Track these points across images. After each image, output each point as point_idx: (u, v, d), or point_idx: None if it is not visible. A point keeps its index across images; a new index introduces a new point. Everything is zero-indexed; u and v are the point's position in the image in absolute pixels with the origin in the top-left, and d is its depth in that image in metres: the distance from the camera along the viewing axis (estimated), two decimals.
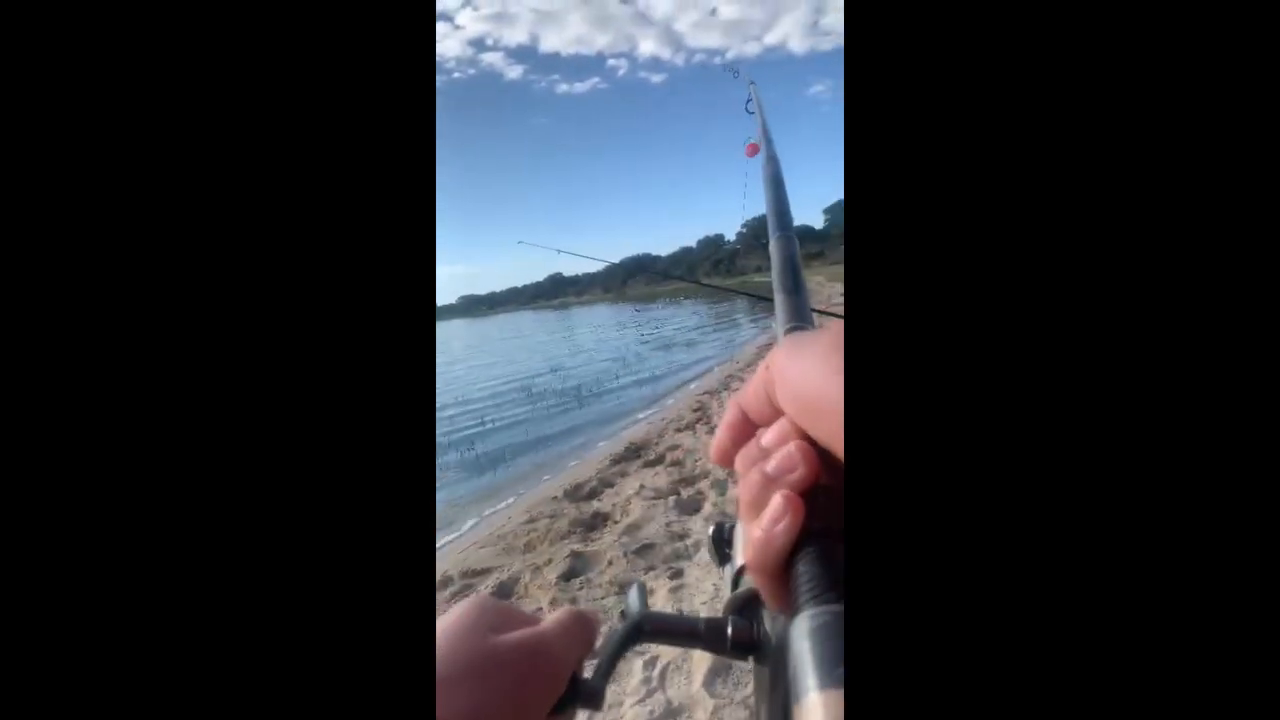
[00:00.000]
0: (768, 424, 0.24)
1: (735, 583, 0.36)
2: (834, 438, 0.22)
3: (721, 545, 0.42)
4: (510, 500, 3.73)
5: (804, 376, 0.23)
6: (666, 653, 1.76)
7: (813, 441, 0.23)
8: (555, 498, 3.29)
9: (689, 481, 3.21)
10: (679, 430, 4.40)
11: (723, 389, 5.80)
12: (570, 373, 9.23)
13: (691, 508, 2.86)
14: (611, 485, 3.38)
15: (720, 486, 2.97)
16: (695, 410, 4.98)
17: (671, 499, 2.96)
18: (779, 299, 0.46)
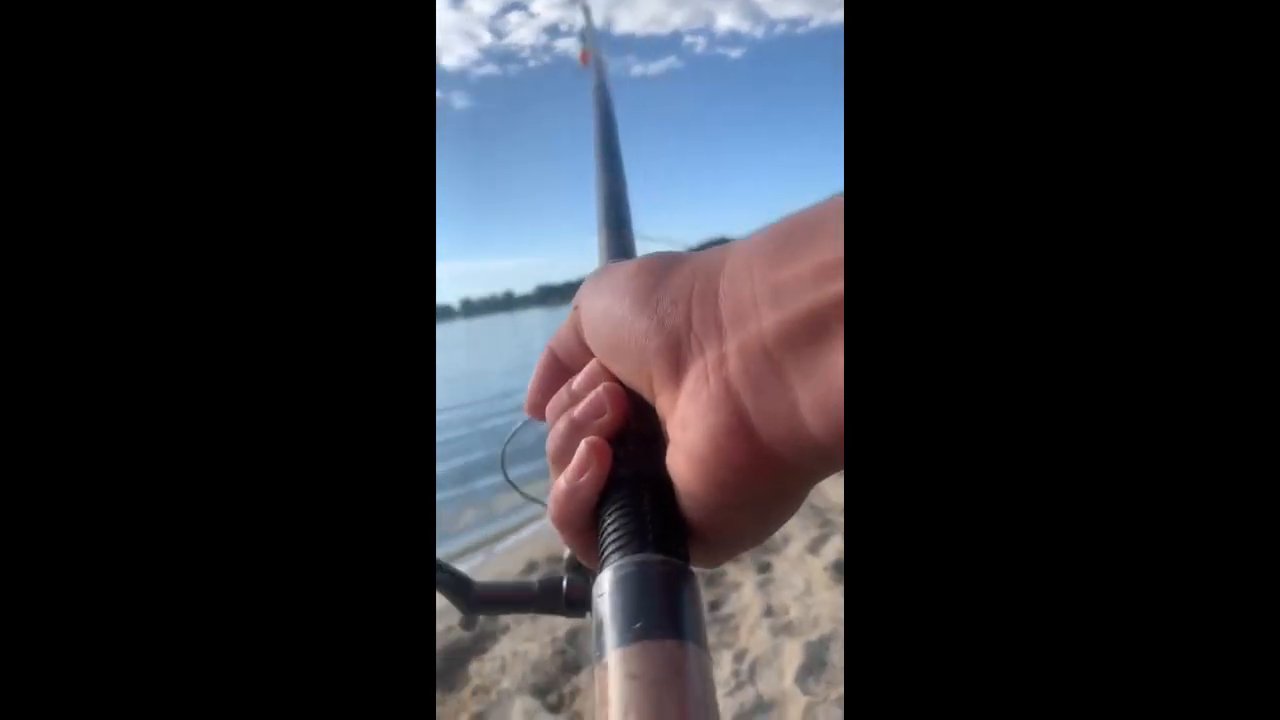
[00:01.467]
0: (580, 369, 0.22)
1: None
2: (639, 380, 0.20)
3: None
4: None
5: (608, 311, 0.21)
6: (755, 647, 1.74)
7: (623, 383, 0.21)
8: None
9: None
10: None
11: None
12: None
13: None
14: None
15: None
16: None
17: None
18: (600, 235, 0.39)
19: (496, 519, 3.36)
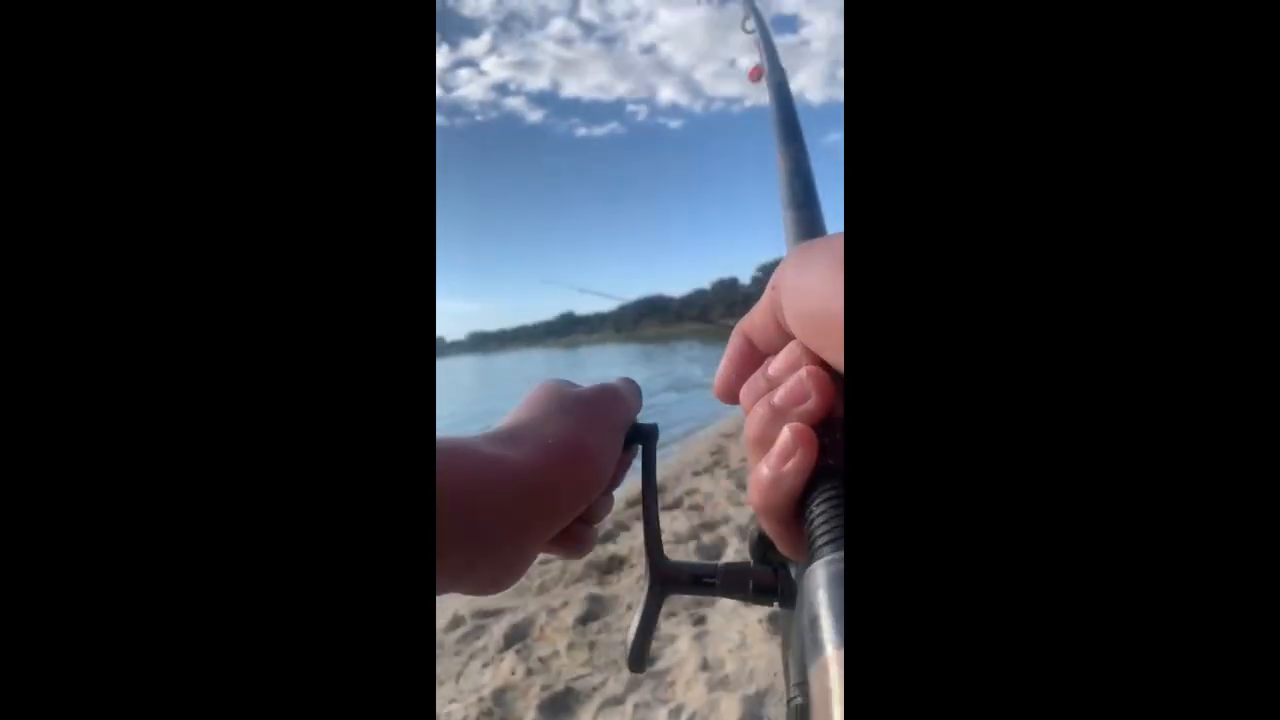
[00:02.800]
0: (777, 352, 0.22)
1: (756, 525, 0.33)
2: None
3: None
4: None
5: (814, 291, 0.20)
6: (692, 702, 1.69)
7: (827, 367, 0.20)
8: None
9: (710, 526, 3.15)
10: (696, 474, 4.34)
11: (738, 430, 5.74)
12: None
13: (712, 553, 2.79)
14: (628, 529, 3.32)
15: (744, 533, 2.91)
16: (713, 454, 4.93)
17: (692, 544, 2.90)
18: (787, 216, 0.39)
19: None
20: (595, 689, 1.80)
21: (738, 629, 2.02)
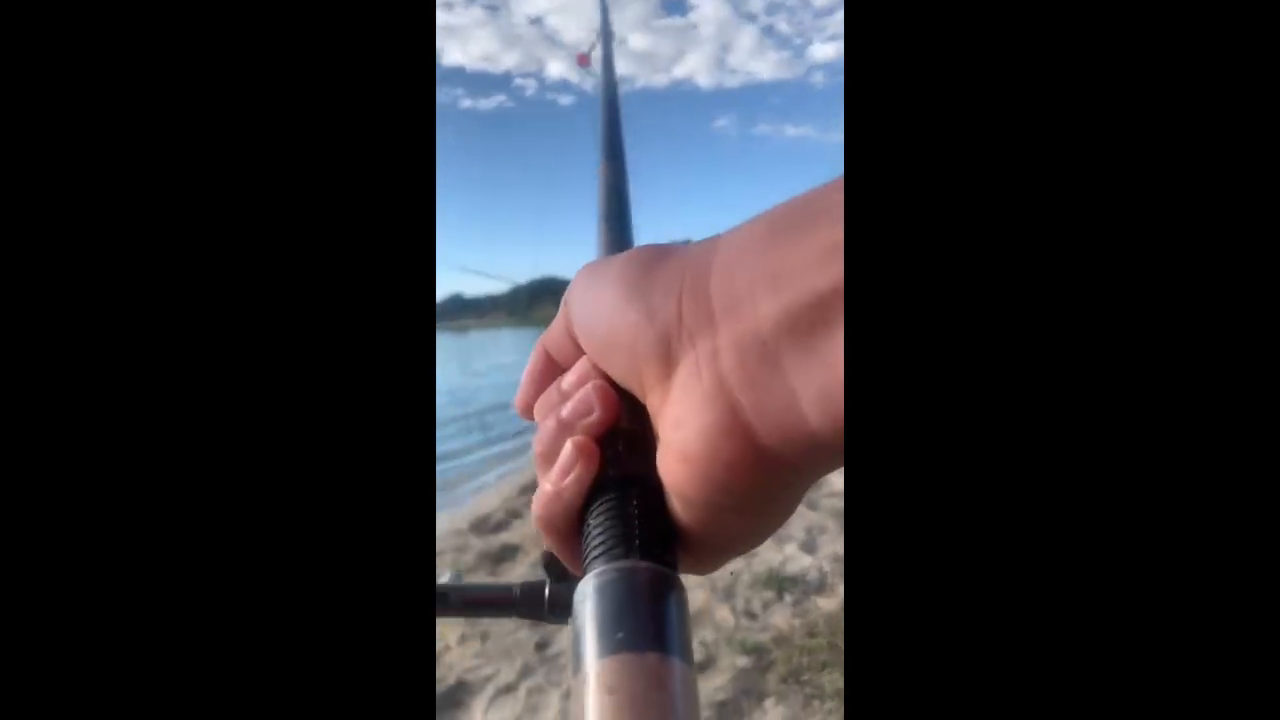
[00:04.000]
0: (572, 366, 0.22)
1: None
2: (629, 377, 0.19)
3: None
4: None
5: (599, 307, 0.20)
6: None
7: (614, 381, 0.20)
8: (459, 530, 3.17)
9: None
10: None
11: None
12: (467, 397, 8.92)
13: None
14: (520, 516, 3.30)
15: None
16: None
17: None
18: (601, 229, 0.40)
19: None
20: (487, 679, 1.79)
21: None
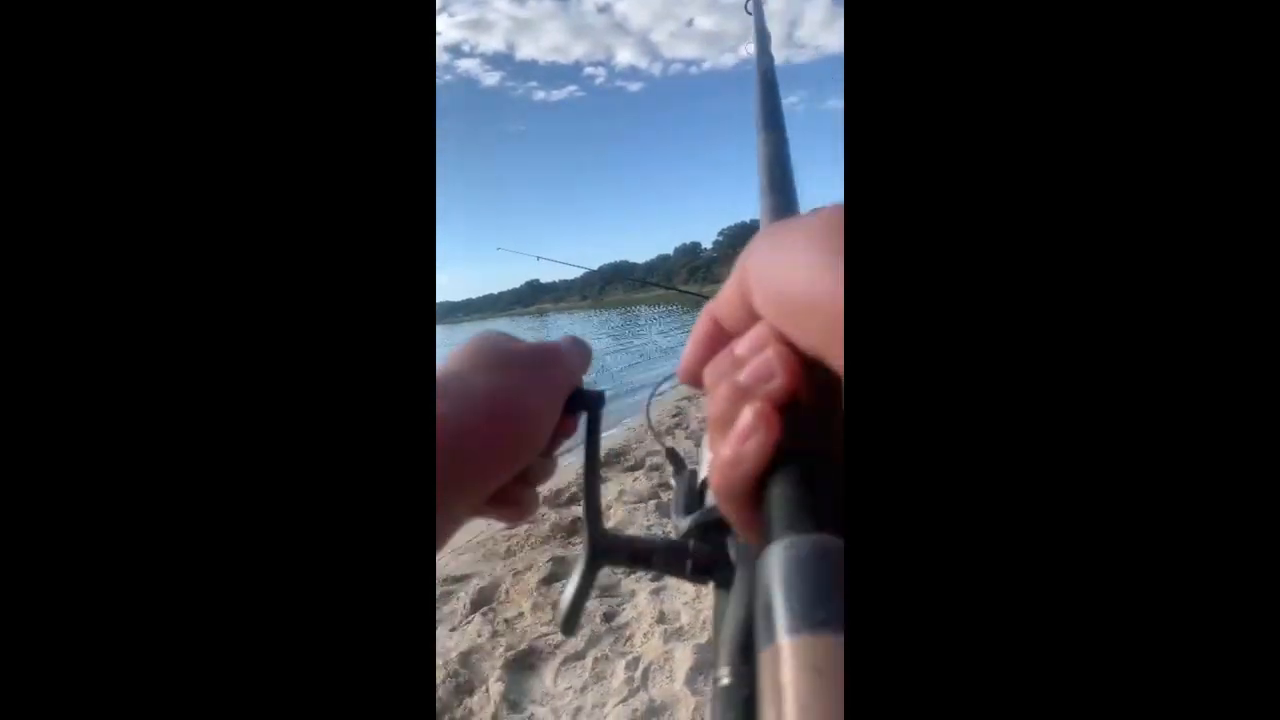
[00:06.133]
0: (743, 333, 0.21)
1: (692, 500, 0.32)
2: (823, 343, 0.18)
3: (679, 460, 0.38)
4: None
5: (786, 270, 0.19)
6: (649, 653, 1.77)
7: (796, 349, 0.19)
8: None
9: (669, 486, 3.22)
10: (657, 435, 4.42)
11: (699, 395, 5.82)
12: None
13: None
14: None
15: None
16: (674, 415, 5.01)
17: (652, 503, 2.98)
18: (764, 201, 0.39)
19: None
20: (556, 647, 1.87)
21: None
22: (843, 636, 0.14)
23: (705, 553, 0.29)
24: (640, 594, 2.10)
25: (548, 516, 3.00)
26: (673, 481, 0.36)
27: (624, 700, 1.62)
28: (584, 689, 1.68)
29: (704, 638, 1.79)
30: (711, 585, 0.29)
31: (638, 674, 1.70)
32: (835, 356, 0.18)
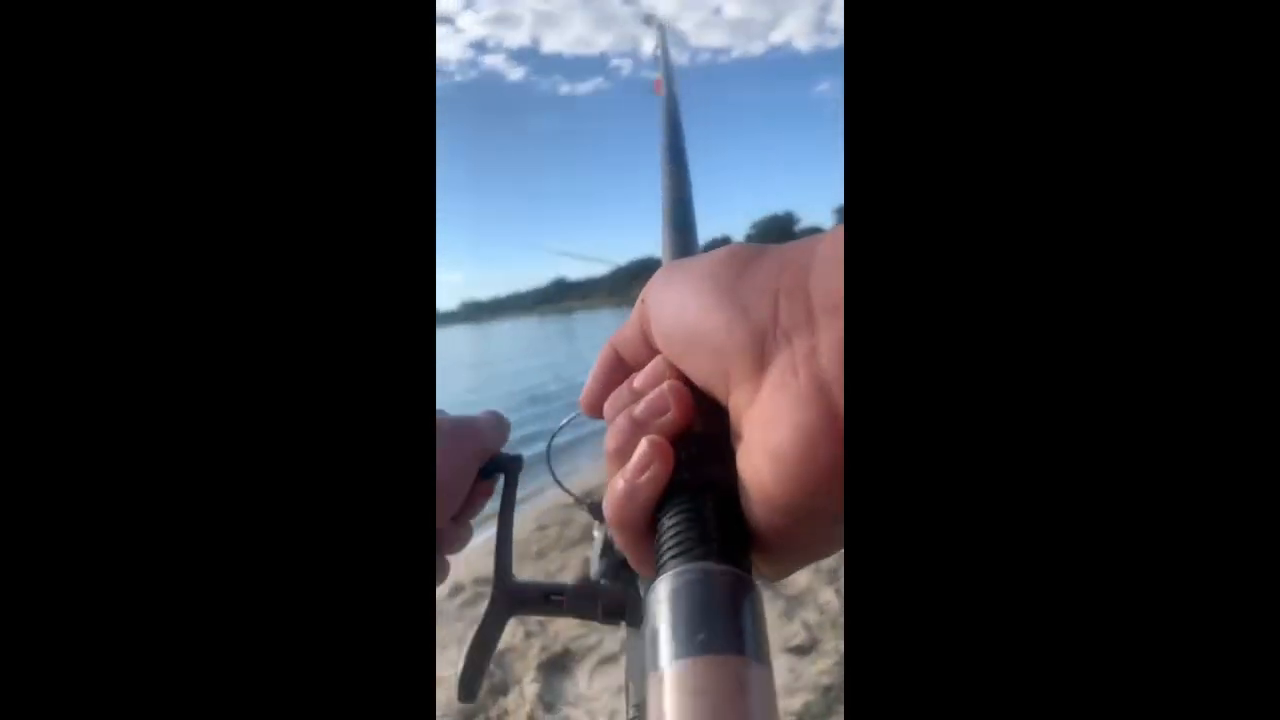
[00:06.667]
0: (642, 366, 0.22)
1: (606, 547, 0.33)
2: (712, 377, 0.19)
3: (599, 511, 0.38)
4: (520, 509, 3.69)
5: (680, 307, 0.20)
6: None
7: (690, 382, 0.20)
8: (566, 505, 3.28)
9: None
10: None
11: None
12: (574, 379, 9.16)
13: None
14: None
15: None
16: None
17: None
18: (665, 236, 0.41)
19: None
20: (591, 649, 1.87)
21: None
22: (729, 656, 0.15)
23: (615, 593, 0.29)
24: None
25: (577, 519, 3.00)
26: (595, 533, 0.37)
27: None
28: (619, 691, 1.66)
29: None
30: (623, 625, 0.29)
31: None
32: (724, 391, 0.19)
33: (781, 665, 1.65)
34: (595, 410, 0.23)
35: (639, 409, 0.20)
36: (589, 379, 0.23)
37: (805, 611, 1.84)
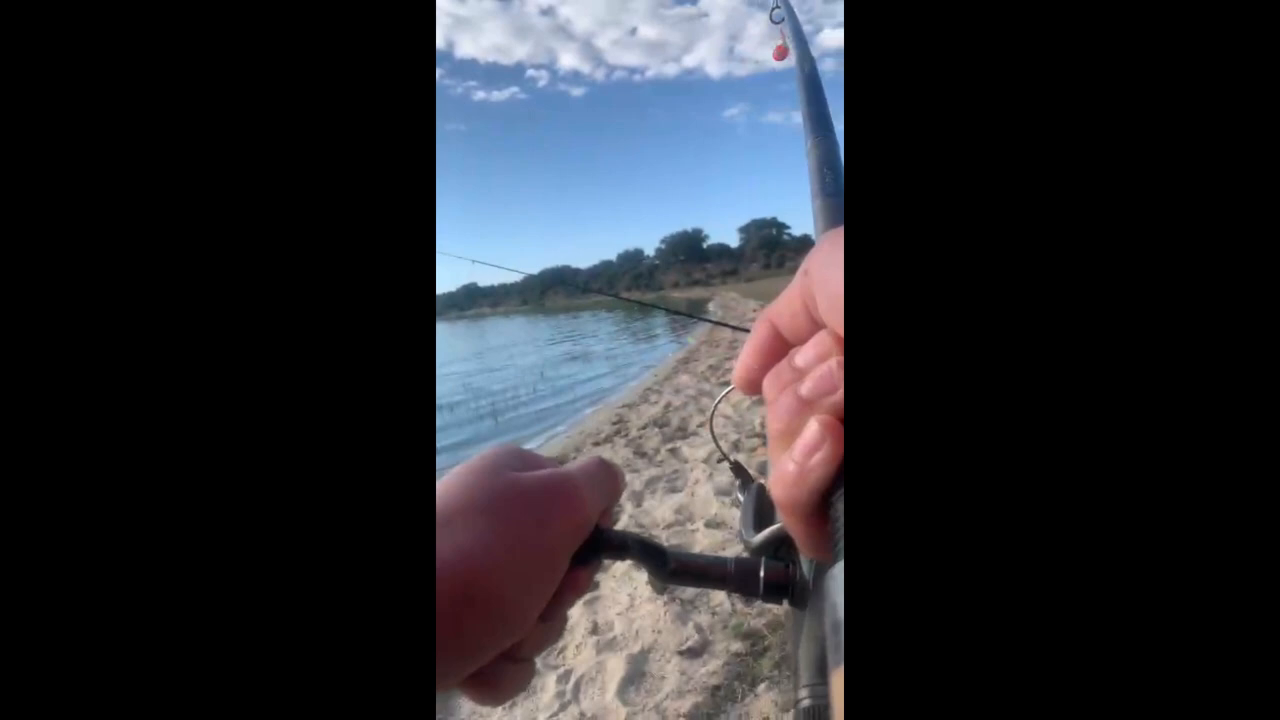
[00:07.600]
0: (805, 342, 0.20)
1: (761, 516, 0.31)
2: None
3: (745, 474, 0.38)
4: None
5: None
6: (580, 666, 1.76)
7: None
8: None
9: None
10: (596, 444, 4.40)
11: (642, 402, 5.85)
12: (483, 386, 9.02)
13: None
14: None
15: (636, 499, 3.00)
16: (614, 424, 5.00)
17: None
18: (817, 204, 0.39)
19: None
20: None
21: (628, 590, 2.10)
22: None
23: (778, 570, 0.28)
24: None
25: None
26: (739, 496, 0.35)
27: (554, 716, 1.59)
28: (512, 704, 1.64)
29: (636, 648, 1.78)
30: (785, 604, 0.28)
31: (569, 687, 1.68)
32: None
33: (673, 669, 1.69)
34: (753, 388, 0.22)
35: (805, 387, 0.19)
36: (743, 355, 0.22)
37: (698, 615, 1.89)
